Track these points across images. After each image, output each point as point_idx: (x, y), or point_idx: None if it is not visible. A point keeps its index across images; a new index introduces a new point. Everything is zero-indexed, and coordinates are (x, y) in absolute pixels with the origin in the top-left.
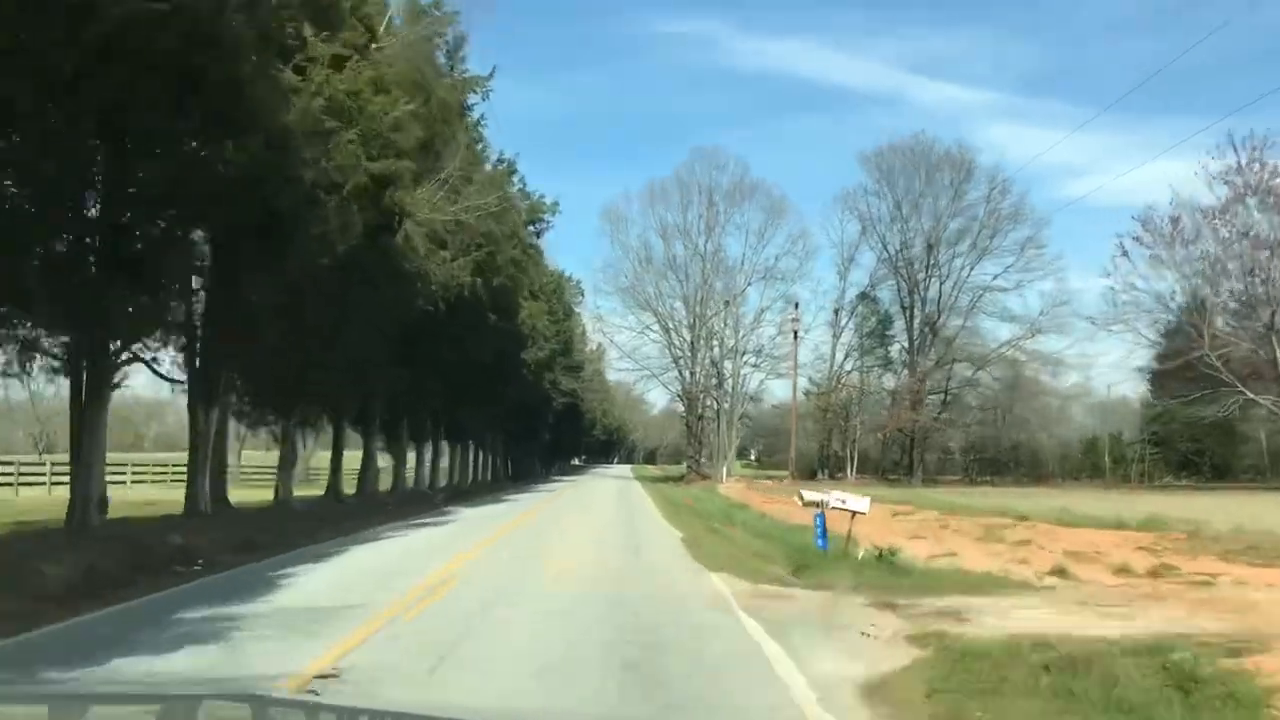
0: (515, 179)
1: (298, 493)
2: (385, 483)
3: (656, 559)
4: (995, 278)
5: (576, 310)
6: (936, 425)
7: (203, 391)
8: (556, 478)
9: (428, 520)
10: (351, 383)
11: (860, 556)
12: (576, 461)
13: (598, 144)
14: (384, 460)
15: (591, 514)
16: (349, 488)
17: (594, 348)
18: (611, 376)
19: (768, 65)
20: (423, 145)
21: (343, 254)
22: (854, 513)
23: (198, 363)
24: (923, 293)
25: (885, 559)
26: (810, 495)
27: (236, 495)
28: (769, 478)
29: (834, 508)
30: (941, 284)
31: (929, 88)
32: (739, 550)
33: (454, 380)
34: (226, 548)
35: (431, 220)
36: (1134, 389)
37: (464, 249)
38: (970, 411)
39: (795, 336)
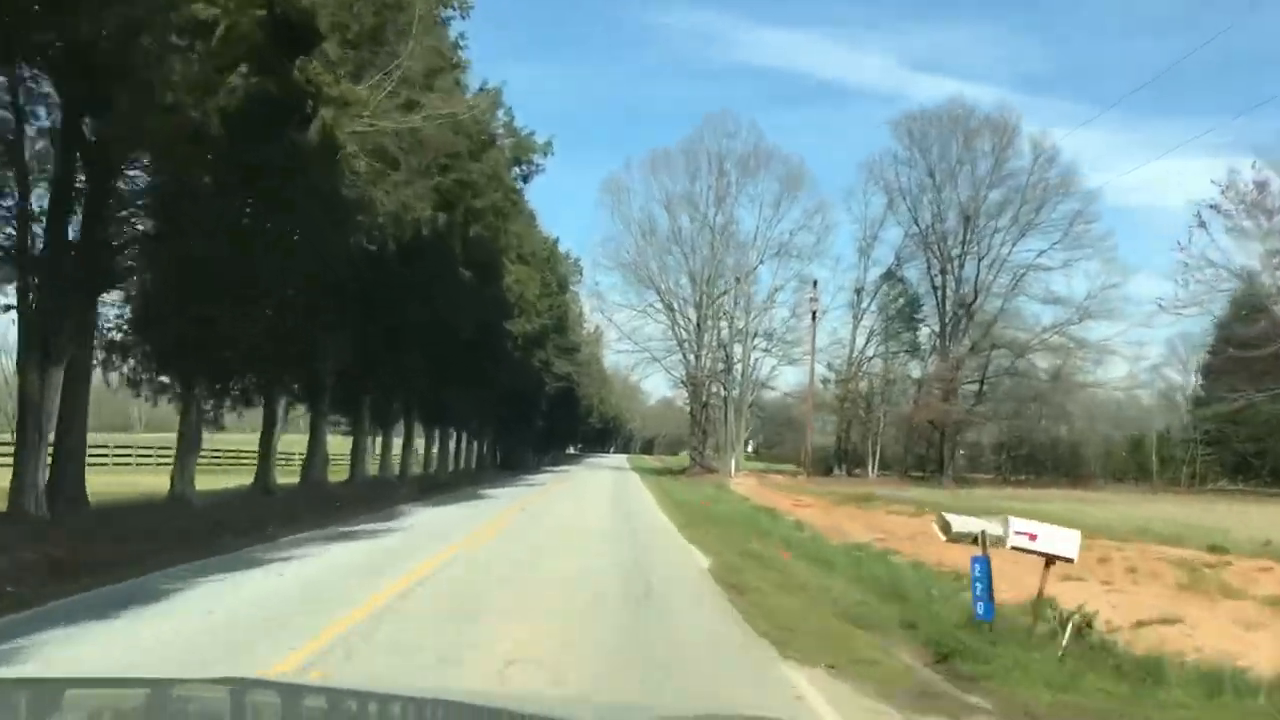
0: (501, 114)
1: (237, 483)
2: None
3: (685, 624)
4: (1040, 255)
5: (573, 289)
6: (972, 418)
7: (38, 342)
8: (549, 468)
9: (369, 526)
10: (275, 340)
11: (1064, 644)
12: (572, 450)
13: (591, 133)
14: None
15: (582, 519)
16: (292, 476)
17: (591, 330)
18: (609, 359)
19: (767, 59)
20: (371, 33)
21: (224, 144)
22: (1052, 558)
23: (32, 302)
24: (956, 271)
25: (1087, 639)
26: (963, 524)
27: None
28: (777, 472)
29: (1016, 547)
30: (979, 261)
31: (930, 84)
32: (813, 601)
33: (434, 354)
34: (30, 574)
35: (379, 129)
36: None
37: (422, 172)
38: (1007, 404)
39: (814, 317)
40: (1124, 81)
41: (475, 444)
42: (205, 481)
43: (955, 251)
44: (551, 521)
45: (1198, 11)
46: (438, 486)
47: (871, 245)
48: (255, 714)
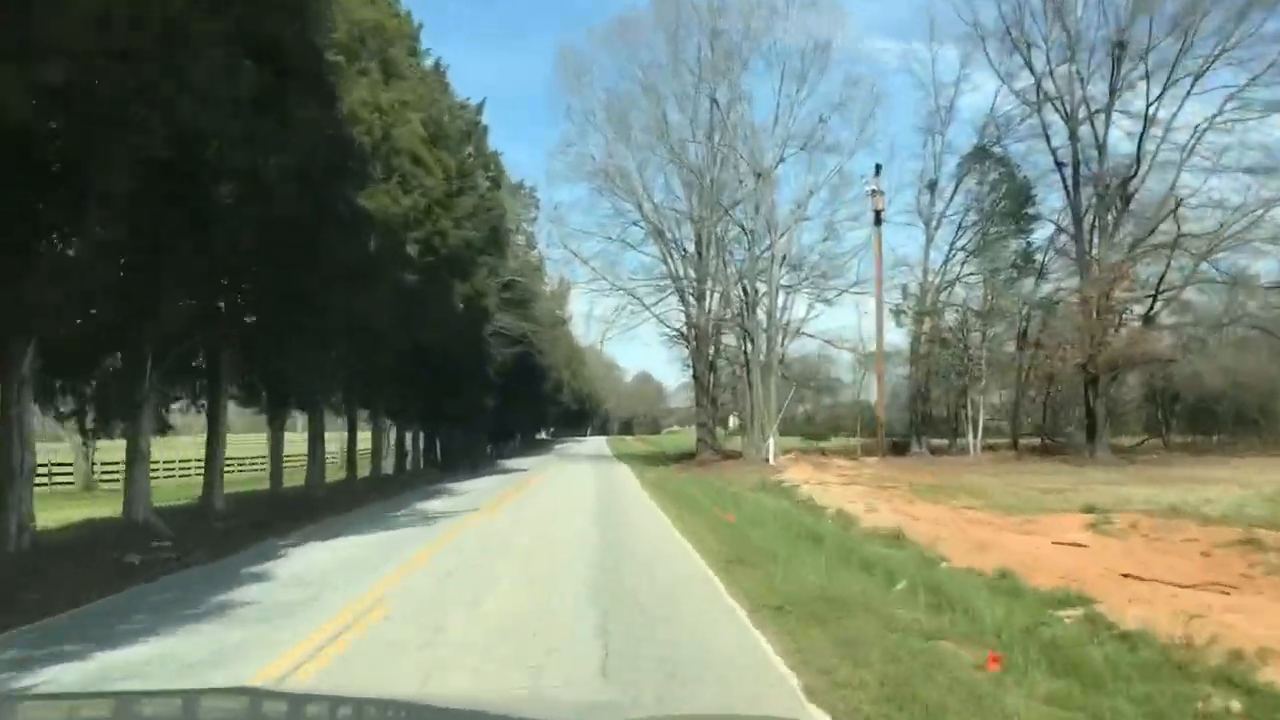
0: None
1: None
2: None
3: None
4: (1231, 99)
5: (529, 229)
6: (1157, 354)
7: None
8: (507, 462)
9: None
10: None
11: None
12: (543, 435)
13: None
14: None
15: None
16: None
17: (555, 286)
18: (579, 311)
19: None
20: None
21: None
22: None
23: None
24: (1100, 136)
25: None
26: None
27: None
28: (820, 451)
29: None
30: (1147, 116)
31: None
32: None
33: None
34: None
35: None
36: None
37: None
38: (1182, 331)
39: (877, 220)
40: None
41: (400, 436)
42: None
43: (1095, 105)
44: None
45: None
46: (283, 513)
47: (946, 120)
48: None
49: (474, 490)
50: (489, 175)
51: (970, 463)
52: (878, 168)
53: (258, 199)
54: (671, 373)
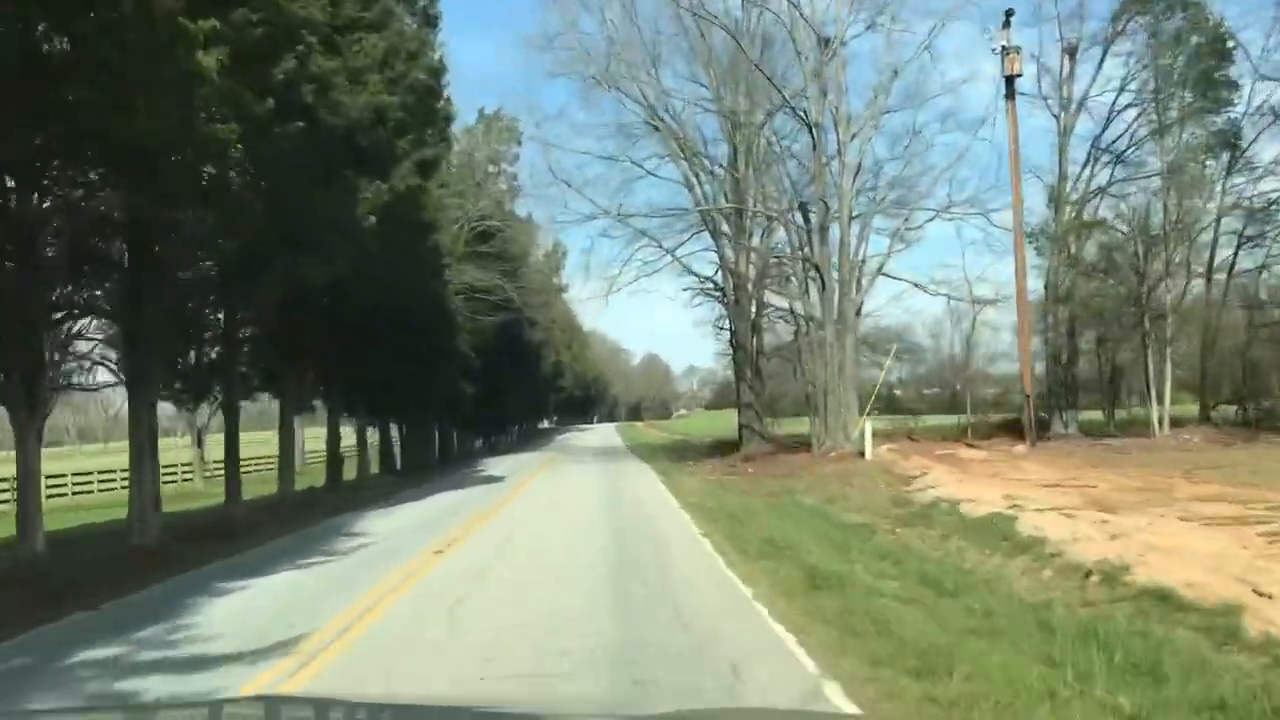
0: None
1: None
2: None
3: None
4: None
5: (509, 170)
6: None
7: None
8: (494, 461)
9: None
10: None
11: None
12: (546, 424)
13: None
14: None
15: None
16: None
17: (548, 250)
18: (575, 265)
19: None
20: None
21: None
22: None
23: None
24: None
25: None
26: None
27: None
28: (908, 435)
29: None
30: None
31: None
32: None
33: None
34: None
35: None
36: None
37: None
38: None
39: (1009, 87)
40: None
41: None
42: None
43: None
44: None
45: None
46: None
47: None
48: None
49: (382, 540)
50: (417, 7)
51: (1175, 447)
52: (1008, 15)
53: None
54: (680, 353)
